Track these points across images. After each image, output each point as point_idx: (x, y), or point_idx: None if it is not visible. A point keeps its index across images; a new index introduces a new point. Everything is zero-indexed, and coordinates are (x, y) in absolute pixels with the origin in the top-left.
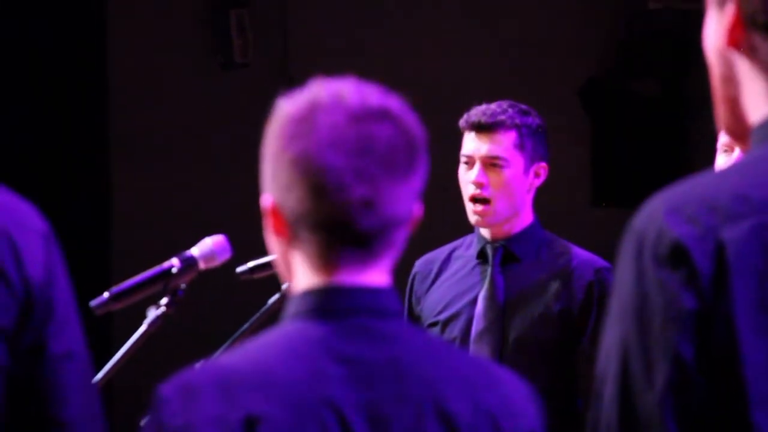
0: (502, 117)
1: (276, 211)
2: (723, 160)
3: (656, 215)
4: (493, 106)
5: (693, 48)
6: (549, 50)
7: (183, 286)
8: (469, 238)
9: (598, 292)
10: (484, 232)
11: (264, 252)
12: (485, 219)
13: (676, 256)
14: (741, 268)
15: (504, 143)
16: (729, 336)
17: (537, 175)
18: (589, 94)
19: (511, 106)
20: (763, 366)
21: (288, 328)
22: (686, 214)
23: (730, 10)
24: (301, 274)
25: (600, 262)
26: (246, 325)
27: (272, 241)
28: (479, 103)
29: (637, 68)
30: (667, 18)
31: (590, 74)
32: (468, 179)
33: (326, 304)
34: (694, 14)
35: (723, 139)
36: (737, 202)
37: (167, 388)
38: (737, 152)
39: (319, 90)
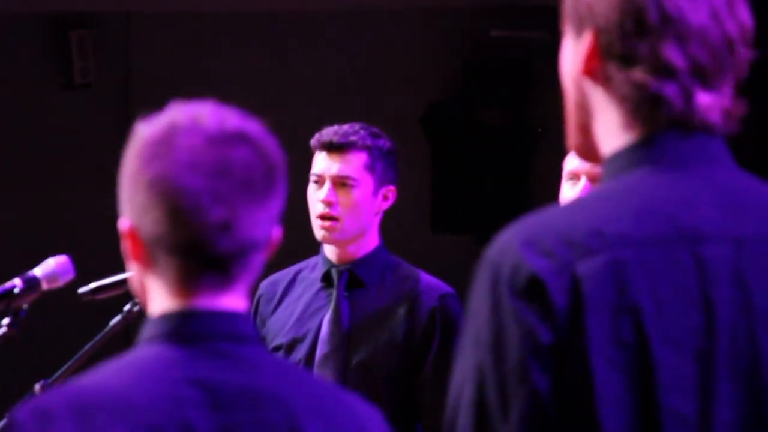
0: (354, 138)
1: (133, 234)
2: (568, 189)
3: (512, 247)
4: (345, 126)
5: (535, 77)
6: (391, 76)
7: (25, 306)
8: (314, 260)
9: (441, 318)
10: (330, 254)
11: (107, 274)
12: (332, 234)
13: (533, 289)
14: (596, 303)
15: (354, 163)
16: (583, 370)
17: (385, 198)
18: (430, 121)
19: (363, 127)
20: (616, 401)
21: (144, 352)
22: (542, 247)
23: (587, 39)
24: (158, 298)
25: (445, 288)
26: (88, 346)
27: (130, 264)
28: (330, 124)
29: (479, 96)
30: (510, 46)
31: (431, 100)
32: (317, 198)
33: (182, 328)
34: (537, 43)
35: (569, 167)
36: (591, 237)
37: (22, 412)
38: (583, 181)
39: (177, 113)
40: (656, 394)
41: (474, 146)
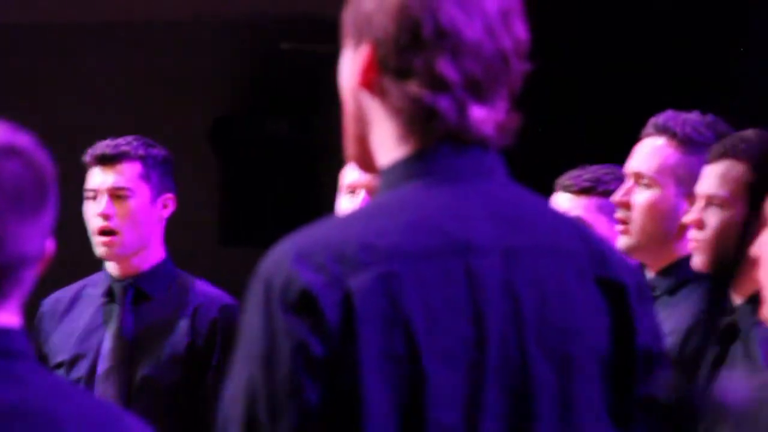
0: (126, 148)
1: None
2: (346, 201)
3: (284, 262)
4: (118, 139)
5: (325, 89)
6: (178, 88)
7: None
8: (98, 275)
9: (222, 329)
10: (112, 270)
11: None
12: (113, 250)
13: (305, 303)
14: (368, 317)
15: (129, 174)
16: (354, 384)
17: (165, 206)
18: (219, 134)
19: (135, 138)
20: (384, 414)
21: None
22: (314, 262)
23: (364, 51)
24: None
25: (226, 298)
26: None
27: None
28: (117, 137)
29: (268, 108)
30: (299, 59)
31: (220, 113)
32: (94, 212)
33: None
34: (326, 56)
35: (347, 180)
36: (363, 251)
37: None
38: (362, 194)
39: None
40: (424, 407)
41: (262, 159)
